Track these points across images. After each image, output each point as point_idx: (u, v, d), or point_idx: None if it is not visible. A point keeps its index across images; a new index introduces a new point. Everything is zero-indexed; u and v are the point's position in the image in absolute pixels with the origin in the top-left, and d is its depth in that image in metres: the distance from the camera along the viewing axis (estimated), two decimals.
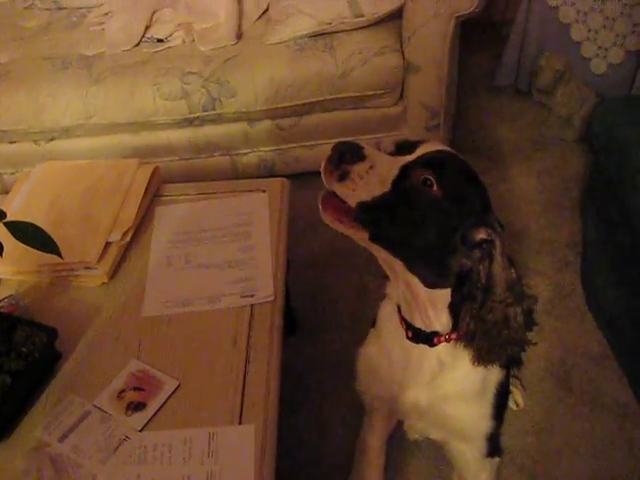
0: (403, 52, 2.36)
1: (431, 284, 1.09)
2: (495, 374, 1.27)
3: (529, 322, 1.12)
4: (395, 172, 1.02)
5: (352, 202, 1.00)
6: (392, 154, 1.08)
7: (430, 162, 1.04)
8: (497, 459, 1.46)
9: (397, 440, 1.74)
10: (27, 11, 2.87)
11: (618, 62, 2.75)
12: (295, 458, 1.80)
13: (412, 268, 1.08)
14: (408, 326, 1.19)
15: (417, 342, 1.19)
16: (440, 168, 1.03)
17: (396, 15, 2.40)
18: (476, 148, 2.83)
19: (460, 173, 1.07)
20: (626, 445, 1.80)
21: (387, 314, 1.29)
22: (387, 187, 1.01)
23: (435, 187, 1.01)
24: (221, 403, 1.23)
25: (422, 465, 1.78)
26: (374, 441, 1.64)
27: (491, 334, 1.08)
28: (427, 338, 1.17)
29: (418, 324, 1.17)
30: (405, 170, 1.03)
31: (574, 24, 2.80)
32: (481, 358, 1.13)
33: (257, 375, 1.28)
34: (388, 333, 1.28)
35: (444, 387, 1.25)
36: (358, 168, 1.00)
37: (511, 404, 1.88)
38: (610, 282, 1.98)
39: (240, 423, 1.20)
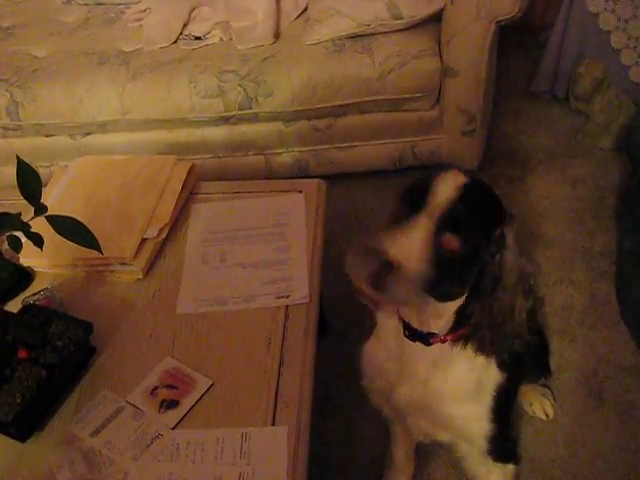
0: (441, 55, 2.35)
1: (449, 299, 1.09)
2: (493, 376, 1.25)
3: (532, 323, 1.12)
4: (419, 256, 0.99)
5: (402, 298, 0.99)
6: (406, 213, 1.03)
7: (447, 226, 0.99)
8: (511, 466, 1.44)
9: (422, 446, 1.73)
10: (66, 6, 2.89)
11: None
12: (324, 461, 1.79)
13: (438, 297, 1.07)
14: (405, 325, 1.19)
15: (413, 340, 1.18)
16: (457, 226, 0.99)
17: (435, 18, 2.39)
18: (511, 154, 2.80)
19: (477, 214, 1.02)
20: None
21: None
22: (422, 267, 0.97)
23: (459, 245, 0.99)
24: (254, 404, 1.23)
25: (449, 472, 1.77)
26: (399, 450, 1.66)
27: (496, 323, 1.08)
28: (423, 337, 1.17)
29: (415, 325, 1.17)
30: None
31: (614, 31, 2.75)
32: (484, 348, 1.12)
33: (291, 377, 1.28)
34: (387, 328, 1.28)
35: (437, 386, 1.24)
36: (392, 278, 0.96)
37: (541, 414, 1.87)
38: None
39: (273, 424, 1.20)
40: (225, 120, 2.43)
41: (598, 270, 2.28)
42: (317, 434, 1.69)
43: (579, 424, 1.87)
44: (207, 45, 2.50)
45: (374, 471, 1.74)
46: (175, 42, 2.53)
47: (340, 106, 2.39)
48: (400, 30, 2.39)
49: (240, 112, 2.39)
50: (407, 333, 1.19)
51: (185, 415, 1.22)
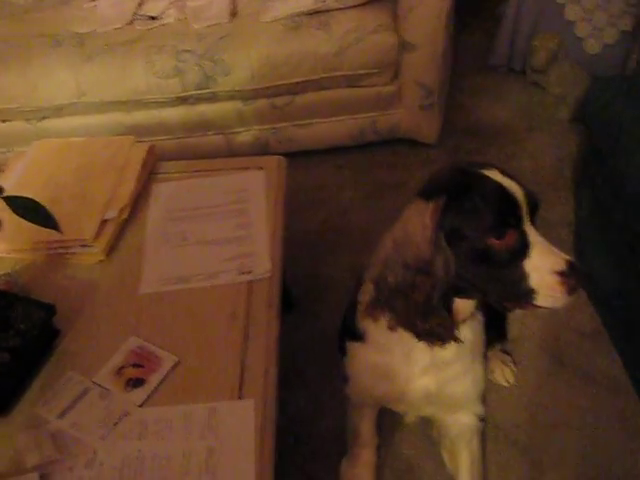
0: (398, 30, 2.35)
1: None
2: (482, 335, 1.31)
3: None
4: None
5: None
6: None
7: None
8: (482, 424, 1.53)
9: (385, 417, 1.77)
10: None
11: (612, 42, 2.77)
12: (291, 435, 1.81)
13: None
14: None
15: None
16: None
17: None
18: (470, 127, 2.83)
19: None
20: (618, 418, 1.82)
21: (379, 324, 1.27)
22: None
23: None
24: (220, 379, 1.24)
25: (413, 439, 1.80)
26: (366, 426, 1.68)
27: None
28: None
29: None
30: None
31: (568, 4, 2.80)
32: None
33: (256, 351, 1.28)
34: (393, 336, 1.25)
35: (446, 363, 1.29)
36: None
37: (502, 381, 1.90)
38: (602, 260, 1.99)
39: (240, 398, 1.20)
40: (183, 100, 2.42)
41: (558, 239, 2.31)
42: (284, 409, 1.71)
43: (542, 389, 1.91)
44: (163, 25, 2.48)
45: (340, 444, 1.76)
46: (130, 22, 2.50)
47: (299, 83, 2.39)
48: (356, 5, 2.40)
49: (198, 92, 2.38)
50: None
51: (152, 393, 1.22)
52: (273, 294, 1.41)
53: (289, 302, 2.05)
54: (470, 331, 1.27)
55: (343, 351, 1.45)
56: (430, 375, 1.31)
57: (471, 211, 1.04)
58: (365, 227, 2.42)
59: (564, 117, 2.82)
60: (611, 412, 1.84)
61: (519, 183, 1.08)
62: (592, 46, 2.81)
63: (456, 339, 1.16)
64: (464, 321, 1.21)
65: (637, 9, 2.69)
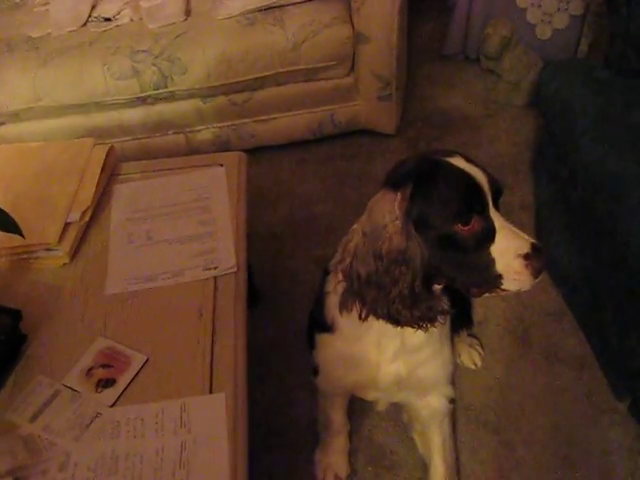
0: (353, 23, 2.37)
1: None
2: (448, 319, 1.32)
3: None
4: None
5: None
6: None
7: None
8: (452, 406, 1.56)
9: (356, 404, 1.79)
10: None
11: (563, 27, 2.82)
12: (264, 426, 1.83)
13: None
14: None
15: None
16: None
17: None
18: (428, 116, 2.86)
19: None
20: (584, 395, 1.87)
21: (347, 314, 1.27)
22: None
23: None
24: (190, 374, 1.24)
25: (385, 425, 1.83)
26: (337, 414, 1.69)
27: None
28: None
29: None
30: None
31: None
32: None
33: (224, 344, 1.29)
34: (366, 325, 1.24)
35: (415, 348, 1.31)
36: None
37: (470, 364, 1.94)
38: (562, 241, 2.03)
39: (210, 392, 1.21)
40: (142, 101, 2.42)
41: (519, 223, 2.32)
42: (256, 400, 1.73)
43: (509, 370, 1.95)
44: (117, 26, 2.47)
45: (313, 433, 1.78)
46: (84, 25, 2.49)
47: (256, 79, 2.40)
48: (310, 0, 2.40)
49: (156, 92, 2.38)
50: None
51: (122, 392, 1.23)
52: (239, 289, 1.42)
53: (255, 296, 2.06)
54: None
55: (312, 344, 1.46)
56: (400, 360, 1.33)
57: (437, 199, 1.06)
58: (329, 219, 2.44)
59: (519, 102, 2.87)
60: (577, 389, 1.89)
61: (483, 169, 1.10)
62: (543, 31, 2.86)
63: (447, 312, 1.18)
64: None
65: None
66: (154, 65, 2.31)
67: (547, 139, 2.20)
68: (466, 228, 1.05)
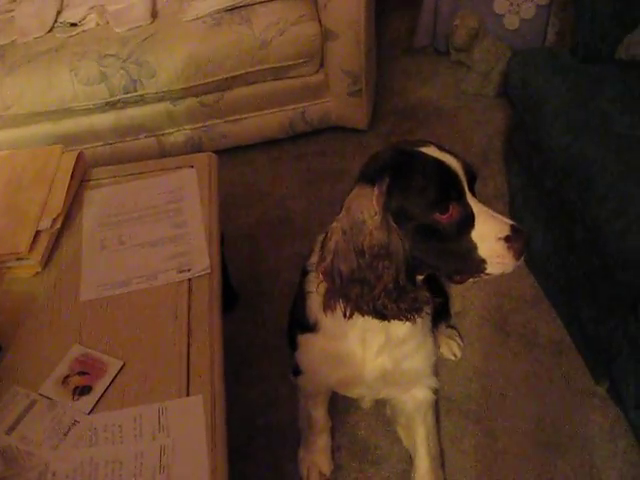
0: (320, 20, 2.37)
1: None
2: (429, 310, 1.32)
3: None
4: None
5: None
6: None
7: None
8: (435, 396, 1.57)
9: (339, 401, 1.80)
10: None
11: (530, 17, 2.83)
12: (248, 427, 1.82)
13: None
14: None
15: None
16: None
17: None
18: (400, 110, 2.87)
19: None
20: (563, 380, 1.89)
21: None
22: None
23: None
24: (167, 378, 1.24)
25: (367, 420, 1.83)
26: (320, 412, 1.70)
27: None
28: None
29: None
30: None
31: None
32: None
33: (200, 347, 1.29)
34: (340, 324, 1.26)
35: (400, 341, 1.31)
36: None
37: (449, 356, 1.95)
38: (537, 228, 2.05)
39: (188, 395, 1.21)
40: (111, 105, 2.40)
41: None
42: (238, 401, 1.73)
43: (489, 358, 1.96)
44: (84, 31, 2.46)
45: (296, 432, 1.79)
46: (50, 31, 2.47)
47: (226, 79, 2.39)
48: None
49: (125, 96, 2.36)
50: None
51: (100, 399, 1.22)
52: (214, 290, 1.41)
53: (234, 298, 2.06)
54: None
55: (293, 344, 1.46)
56: (385, 354, 1.33)
57: (414, 190, 1.05)
58: (304, 217, 2.44)
59: (490, 93, 2.88)
60: (557, 374, 1.91)
61: (456, 156, 1.10)
62: (511, 22, 2.87)
63: (432, 301, 1.17)
64: None
65: None
66: (122, 69, 2.30)
67: (518, 128, 2.22)
68: (445, 216, 1.05)
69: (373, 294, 1.09)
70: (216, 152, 1.84)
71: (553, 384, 1.89)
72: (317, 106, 2.59)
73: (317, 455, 1.72)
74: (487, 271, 1.09)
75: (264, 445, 1.80)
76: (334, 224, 1.12)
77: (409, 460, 1.72)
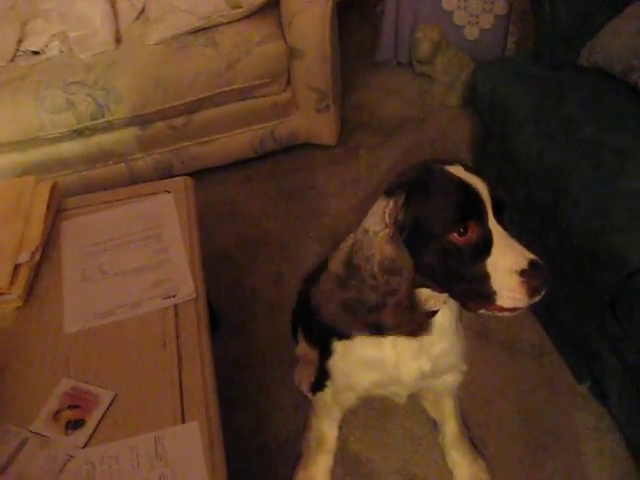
0: (285, 38, 2.39)
1: None
2: (456, 307, 1.32)
3: None
4: None
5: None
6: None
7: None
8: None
9: None
10: None
11: (489, 27, 2.89)
12: (239, 451, 1.81)
13: None
14: None
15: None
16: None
17: (274, 3, 2.43)
18: (367, 124, 2.89)
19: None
20: (547, 382, 1.92)
21: None
22: None
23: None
24: (161, 406, 1.23)
25: (358, 434, 1.84)
26: (332, 431, 1.69)
27: None
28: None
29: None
30: None
31: None
32: None
33: (192, 372, 1.28)
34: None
35: (433, 341, 1.30)
36: None
37: None
38: (514, 235, 2.07)
39: (183, 422, 1.20)
40: (79, 133, 2.37)
41: None
42: (228, 426, 1.71)
43: (473, 366, 1.94)
44: (47, 59, 2.43)
45: (287, 453, 1.79)
46: (12, 60, 2.43)
47: (193, 102, 2.39)
48: (241, 19, 2.42)
49: (93, 122, 2.34)
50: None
51: (93, 432, 1.20)
52: (200, 315, 1.41)
53: (215, 320, 2.05)
54: (449, 311, 1.27)
55: (327, 354, 1.41)
56: (422, 357, 1.32)
57: (431, 206, 1.04)
58: (279, 234, 2.44)
59: (454, 103, 2.92)
60: (540, 377, 1.93)
61: (483, 178, 1.06)
62: (471, 32, 2.93)
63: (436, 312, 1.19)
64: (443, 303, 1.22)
65: None
66: (89, 96, 2.28)
67: (485, 137, 2.25)
68: (462, 238, 1.02)
69: (381, 310, 1.09)
70: (187, 174, 1.84)
71: (537, 387, 1.91)
72: (286, 124, 2.60)
73: (318, 475, 1.70)
74: (497, 303, 1.03)
75: (253, 468, 1.79)
76: (351, 235, 1.12)
77: (402, 472, 1.73)
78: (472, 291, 1.06)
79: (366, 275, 1.07)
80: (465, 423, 1.78)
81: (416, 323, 1.14)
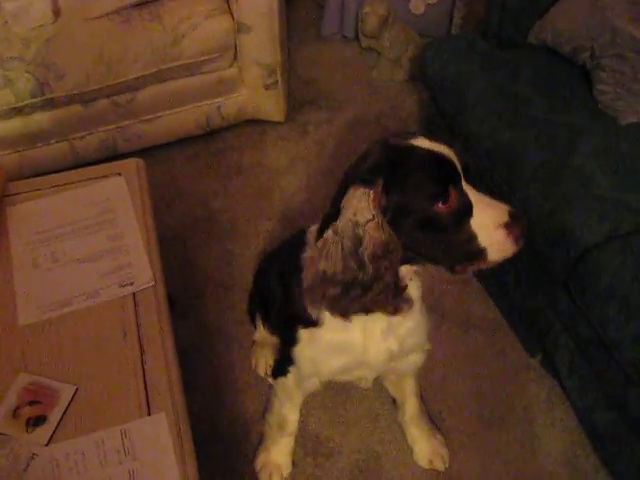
0: (232, 13, 2.34)
1: None
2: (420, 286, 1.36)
3: None
4: None
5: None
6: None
7: None
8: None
9: None
10: None
11: (435, 2, 2.89)
12: (198, 436, 1.79)
13: None
14: None
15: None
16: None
17: None
18: (314, 100, 2.86)
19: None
20: (500, 356, 1.97)
21: None
22: None
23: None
24: (126, 398, 1.21)
25: (316, 414, 1.84)
26: (295, 415, 1.68)
27: None
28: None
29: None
30: None
31: None
32: None
33: (155, 362, 1.26)
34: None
35: (401, 324, 1.33)
36: None
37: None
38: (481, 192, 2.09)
39: (149, 414, 1.18)
40: (18, 111, 2.27)
41: None
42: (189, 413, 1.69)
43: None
44: None
45: (248, 436, 1.79)
46: None
47: (138, 78, 2.32)
48: None
49: (33, 100, 2.24)
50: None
51: (56, 428, 1.17)
52: (160, 302, 1.38)
53: (170, 304, 2.01)
54: (416, 288, 1.31)
55: (292, 341, 1.41)
56: (390, 337, 1.33)
57: (412, 185, 1.06)
58: (228, 213, 2.41)
59: (401, 78, 2.92)
60: (492, 351, 1.98)
61: (446, 144, 1.10)
62: (417, 7, 2.92)
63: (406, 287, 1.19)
64: (410, 281, 1.24)
65: None
66: (28, 72, 2.18)
67: (436, 113, 2.25)
68: (445, 206, 1.06)
69: (369, 294, 1.09)
70: (132, 153, 1.79)
71: (490, 361, 1.95)
72: (233, 100, 2.55)
73: (280, 457, 1.71)
74: (489, 258, 1.10)
75: (216, 454, 1.77)
76: (331, 228, 1.10)
77: (362, 449, 1.76)
78: (462, 253, 1.12)
79: (359, 265, 1.07)
80: (422, 399, 1.80)
81: (402, 299, 1.16)
